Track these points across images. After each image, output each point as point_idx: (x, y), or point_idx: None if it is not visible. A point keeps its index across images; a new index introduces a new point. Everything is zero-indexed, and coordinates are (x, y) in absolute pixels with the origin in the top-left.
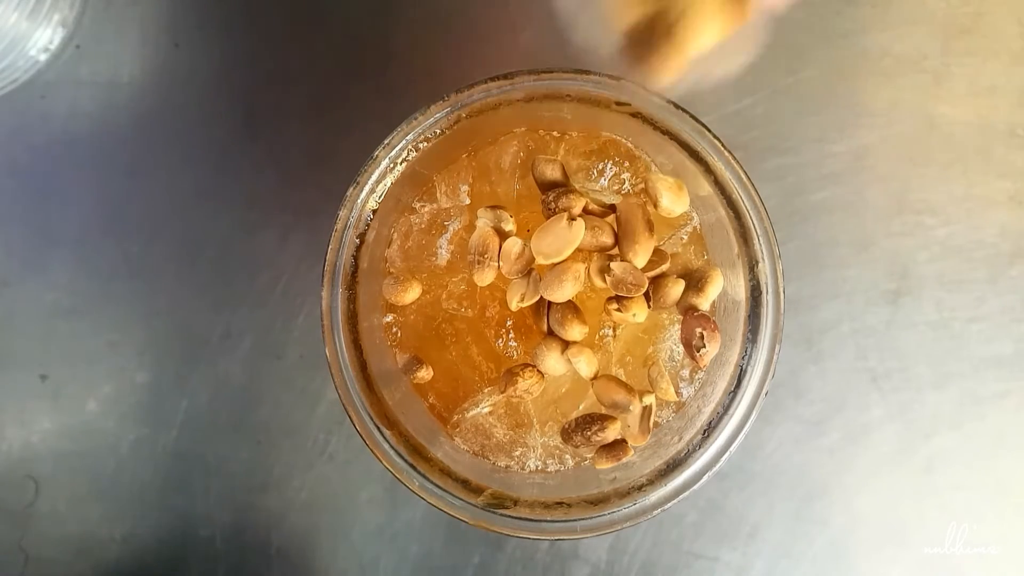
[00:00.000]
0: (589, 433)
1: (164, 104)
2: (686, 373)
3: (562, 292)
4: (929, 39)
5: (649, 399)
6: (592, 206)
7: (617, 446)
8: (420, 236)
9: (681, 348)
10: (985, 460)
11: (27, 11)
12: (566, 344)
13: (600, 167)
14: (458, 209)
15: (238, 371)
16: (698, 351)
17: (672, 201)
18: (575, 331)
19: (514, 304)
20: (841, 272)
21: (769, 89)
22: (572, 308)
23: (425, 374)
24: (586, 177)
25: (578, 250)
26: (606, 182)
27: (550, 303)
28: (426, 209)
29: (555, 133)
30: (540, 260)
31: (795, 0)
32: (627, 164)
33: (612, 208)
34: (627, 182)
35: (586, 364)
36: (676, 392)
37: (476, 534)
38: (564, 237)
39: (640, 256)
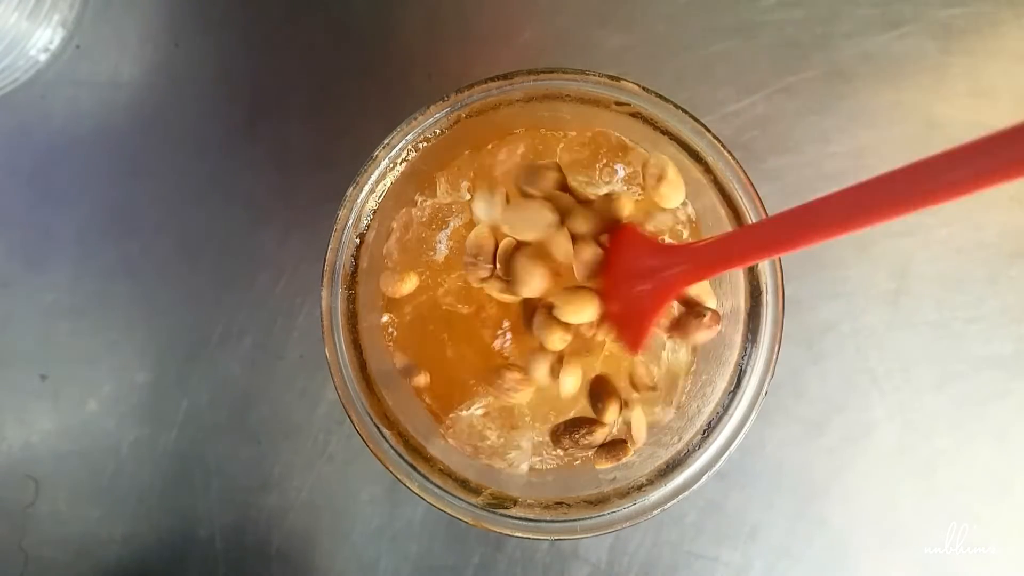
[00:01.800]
0: (577, 436)
1: (164, 104)
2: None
3: (529, 231)
4: (929, 39)
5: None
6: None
7: (617, 446)
8: (420, 230)
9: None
10: (985, 460)
11: (27, 11)
12: (558, 356)
13: (589, 159)
14: (459, 206)
15: (238, 371)
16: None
17: (670, 188)
18: (557, 338)
19: (476, 281)
20: (841, 272)
21: (769, 89)
22: (556, 318)
23: (422, 379)
24: (579, 172)
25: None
26: (596, 175)
27: (535, 308)
28: (428, 203)
29: (559, 133)
30: (506, 230)
31: None
32: (620, 154)
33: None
34: (620, 172)
35: (572, 382)
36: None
37: (476, 534)
38: (534, 218)
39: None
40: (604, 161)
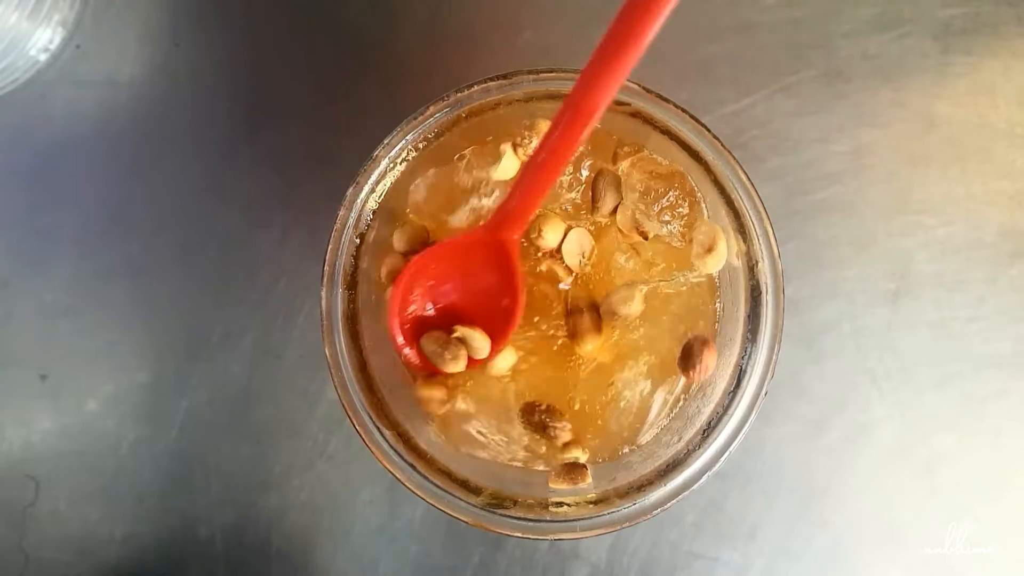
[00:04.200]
0: (547, 420)
1: (164, 104)
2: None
3: None
4: (929, 39)
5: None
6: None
7: (576, 470)
8: (453, 188)
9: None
10: (985, 460)
11: (27, 11)
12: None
13: (660, 193)
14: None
15: (238, 371)
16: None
17: (715, 259)
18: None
19: None
20: (841, 272)
21: (769, 89)
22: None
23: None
24: (641, 198)
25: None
26: (657, 209)
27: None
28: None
29: (626, 148)
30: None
31: None
32: (685, 203)
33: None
34: (675, 221)
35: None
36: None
37: (476, 534)
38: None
39: None
40: (670, 203)
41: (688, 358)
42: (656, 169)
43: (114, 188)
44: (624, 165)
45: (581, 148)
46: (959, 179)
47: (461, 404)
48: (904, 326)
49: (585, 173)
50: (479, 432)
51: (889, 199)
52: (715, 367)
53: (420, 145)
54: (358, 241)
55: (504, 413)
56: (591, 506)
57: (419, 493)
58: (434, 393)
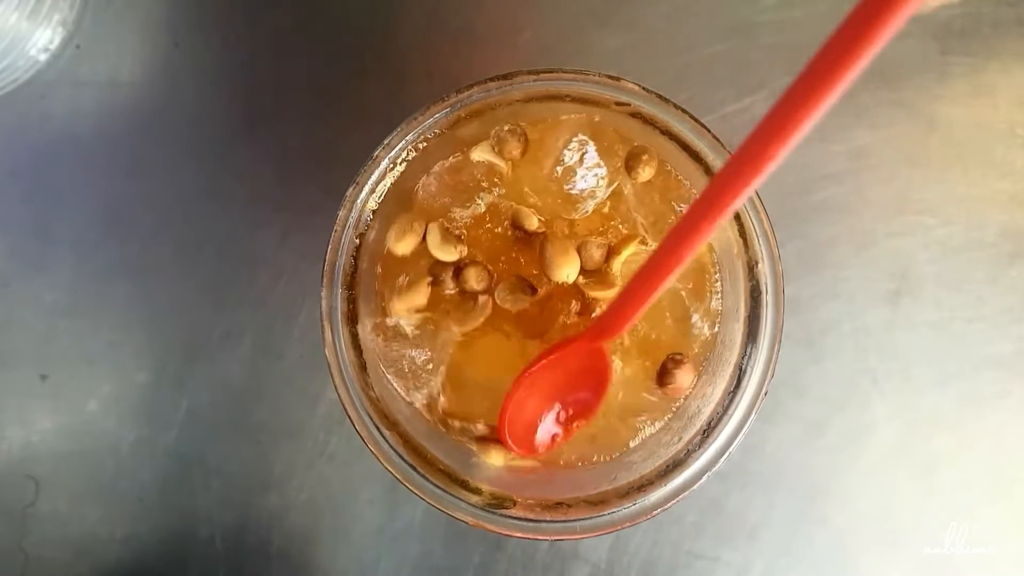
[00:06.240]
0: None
1: (164, 104)
2: None
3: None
4: (929, 39)
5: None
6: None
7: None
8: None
9: None
10: (985, 460)
11: (27, 11)
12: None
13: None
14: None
15: (238, 371)
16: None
17: None
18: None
19: None
20: (841, 272)
21: (769, 89)
22: None
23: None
24: (654, 224)
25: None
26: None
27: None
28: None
29: (612, 129)
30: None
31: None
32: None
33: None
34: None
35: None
36: None
37: (476, 534)
38: None
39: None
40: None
41: (663, 376)
42: (676, 192)
43: (114, 188)
44: (645, 173)
45: (582, 135)
46: (959, 179)
47: (406, 325)
48: (904, 326)
49: (591, 164)
50: (406, 359)
51: (889, 199)
52: (691, 385)
53: (420, 145)
54: (358, 241)
55: (437, 361)
56: (591, 506)
57: (419, 493)
58: (415, 298)
